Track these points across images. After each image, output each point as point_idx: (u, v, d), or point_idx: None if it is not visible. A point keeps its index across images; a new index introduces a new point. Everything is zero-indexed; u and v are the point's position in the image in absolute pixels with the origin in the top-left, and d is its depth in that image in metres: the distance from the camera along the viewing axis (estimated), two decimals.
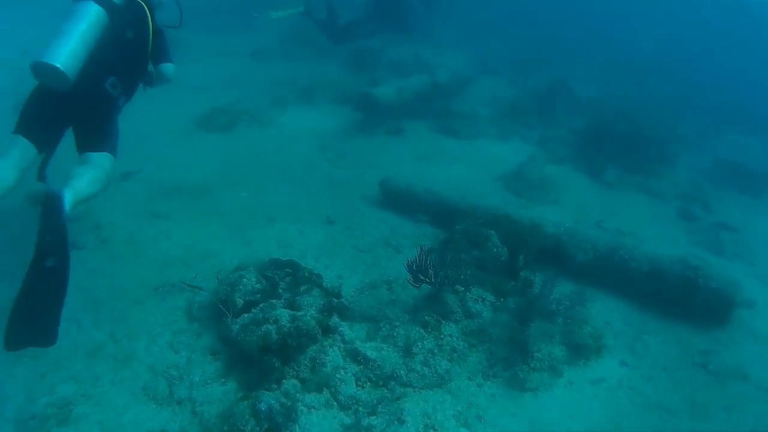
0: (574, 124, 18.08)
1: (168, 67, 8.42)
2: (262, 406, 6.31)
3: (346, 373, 7.17)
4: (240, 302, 7.71)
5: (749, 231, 14.40)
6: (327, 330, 7.42)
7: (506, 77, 23.08)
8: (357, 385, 7.10)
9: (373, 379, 7.20)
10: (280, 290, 7.99)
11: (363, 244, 10.40)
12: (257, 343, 6.88)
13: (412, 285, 8.19)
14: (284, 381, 6.79)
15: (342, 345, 7.47)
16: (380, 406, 6.88)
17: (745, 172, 17.15)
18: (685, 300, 9.66)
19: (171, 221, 10.34)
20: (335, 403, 6.88)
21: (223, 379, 7.15)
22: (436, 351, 7.51)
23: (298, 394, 6.69)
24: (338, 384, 6.97)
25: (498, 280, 8.91)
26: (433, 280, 8.05)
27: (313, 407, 6.73)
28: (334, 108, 17.14)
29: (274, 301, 7.57)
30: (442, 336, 7.72)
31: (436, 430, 6.70)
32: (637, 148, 16.17)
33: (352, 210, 11.40)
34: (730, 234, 13.46)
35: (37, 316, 4.91)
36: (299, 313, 7.24)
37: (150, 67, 8.17)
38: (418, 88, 17.10)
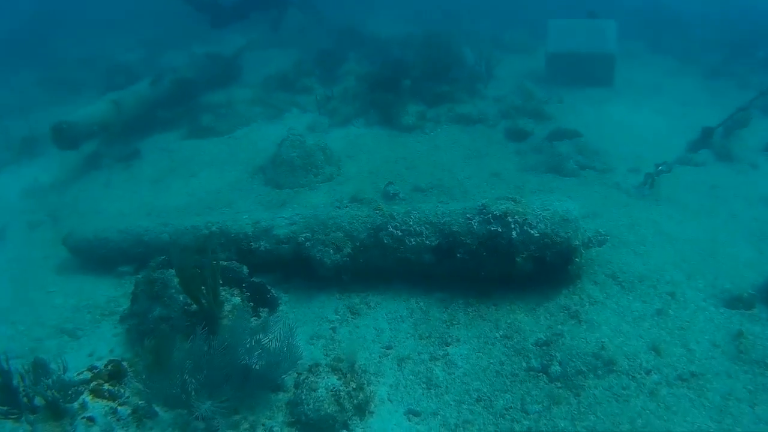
0: (365, 70, 14.68)
1: None
2: None
3: None
4: None
5: (594, 129, 11.36)
6: None
7: (296, 46, 19.52)
8: None
9: None
10: None
11: (24, 343, 6.80)
12: None
13: None
14: None
15: None
16: None
17: (583, 59, 14.11)
18: (502, 266, 6.32)
19: None
20: None
21: None
22: None
23: None
24: None
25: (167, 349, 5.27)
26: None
27: None
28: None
29: None
30: None
31: None
32: (445, 74, 12.91)
33: (28, 292, 7.98)
34: (570, 142, 10.30)
35: None
36: None
37: None
38: (150, 94, 13.21)
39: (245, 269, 6.81)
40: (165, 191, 10.60)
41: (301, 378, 5.40)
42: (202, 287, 5.66)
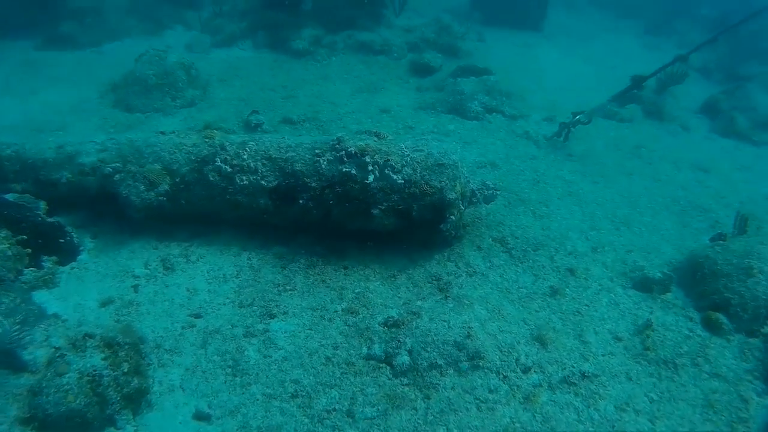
0: None
1: None
2: None
3: None
4: None
5: (511, 71, 10.09)
6: None
7: None
8: None
9: None
10: None
11: None
12: None
13: None
14: None
15: None
16: None
17: None
18: (356, 218, 4.98)
19: None
20: None
21: None
22: None
23: None
24: None
25: None
26: None
27: None
28: None
29: None
30: None
31: None
32: None
33: None
34: (477, 80, 8.95)
35: None
36: None
37: None
38: None
39: (42, 206, 5.32)
40: None
41: (56, 354, 3.92)
42: None
